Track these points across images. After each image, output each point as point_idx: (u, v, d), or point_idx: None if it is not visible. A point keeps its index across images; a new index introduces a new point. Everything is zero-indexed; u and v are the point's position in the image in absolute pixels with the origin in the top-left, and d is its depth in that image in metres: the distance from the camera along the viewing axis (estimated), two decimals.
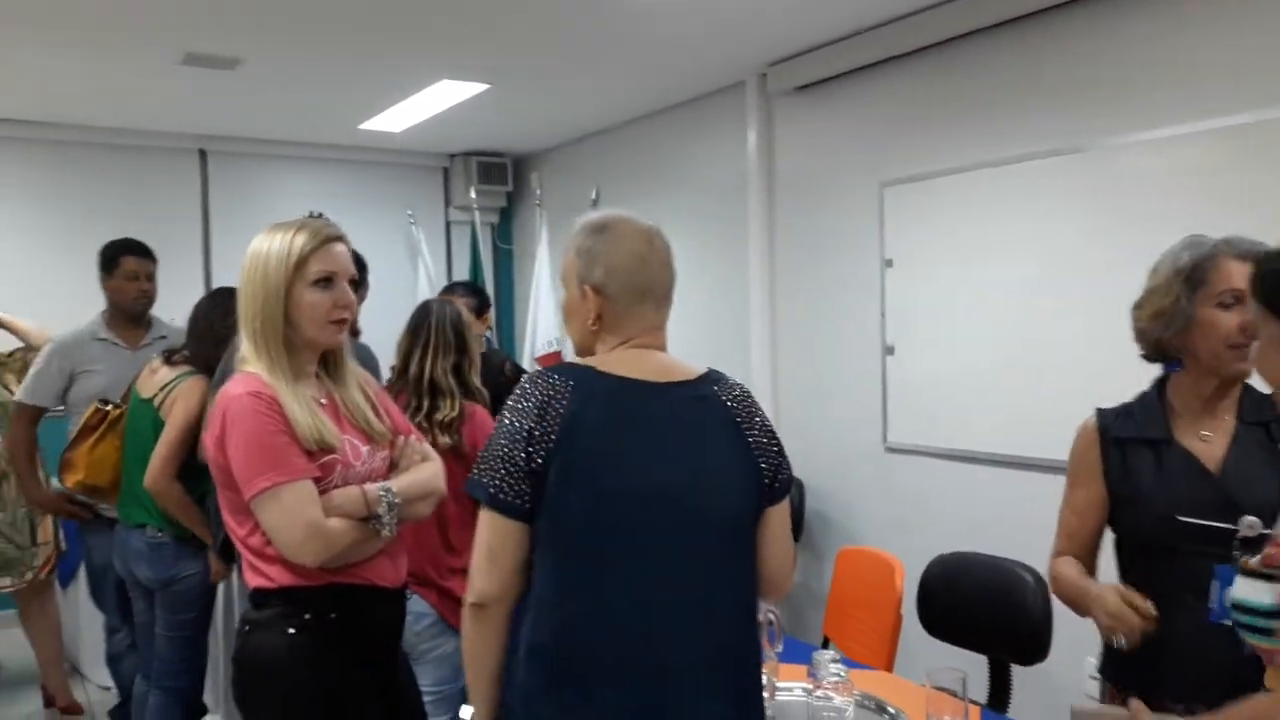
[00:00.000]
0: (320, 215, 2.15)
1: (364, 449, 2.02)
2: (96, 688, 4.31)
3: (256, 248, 1.99)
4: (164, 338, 3.77)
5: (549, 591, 1.60)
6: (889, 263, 4.28)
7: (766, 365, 4.91)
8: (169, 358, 3.29)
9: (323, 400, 2.02)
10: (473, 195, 6.71)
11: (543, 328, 6.28)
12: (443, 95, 5.11)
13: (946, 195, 4.01)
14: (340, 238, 2.05)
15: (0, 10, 3.77)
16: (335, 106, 5.38)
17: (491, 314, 5.00)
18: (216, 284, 6.13)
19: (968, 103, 3.93)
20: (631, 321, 1.71)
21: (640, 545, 1.60)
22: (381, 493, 1.97)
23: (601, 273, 1.70)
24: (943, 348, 4.04)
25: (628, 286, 1.70)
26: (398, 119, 5.64)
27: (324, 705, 1.96)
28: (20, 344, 4.30)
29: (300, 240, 1.98)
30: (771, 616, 2.18)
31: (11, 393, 3.97)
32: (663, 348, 1.76)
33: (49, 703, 4.23)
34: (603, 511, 1.59)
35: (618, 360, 1.69)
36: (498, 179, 6.85)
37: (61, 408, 3.72)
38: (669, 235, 1.80)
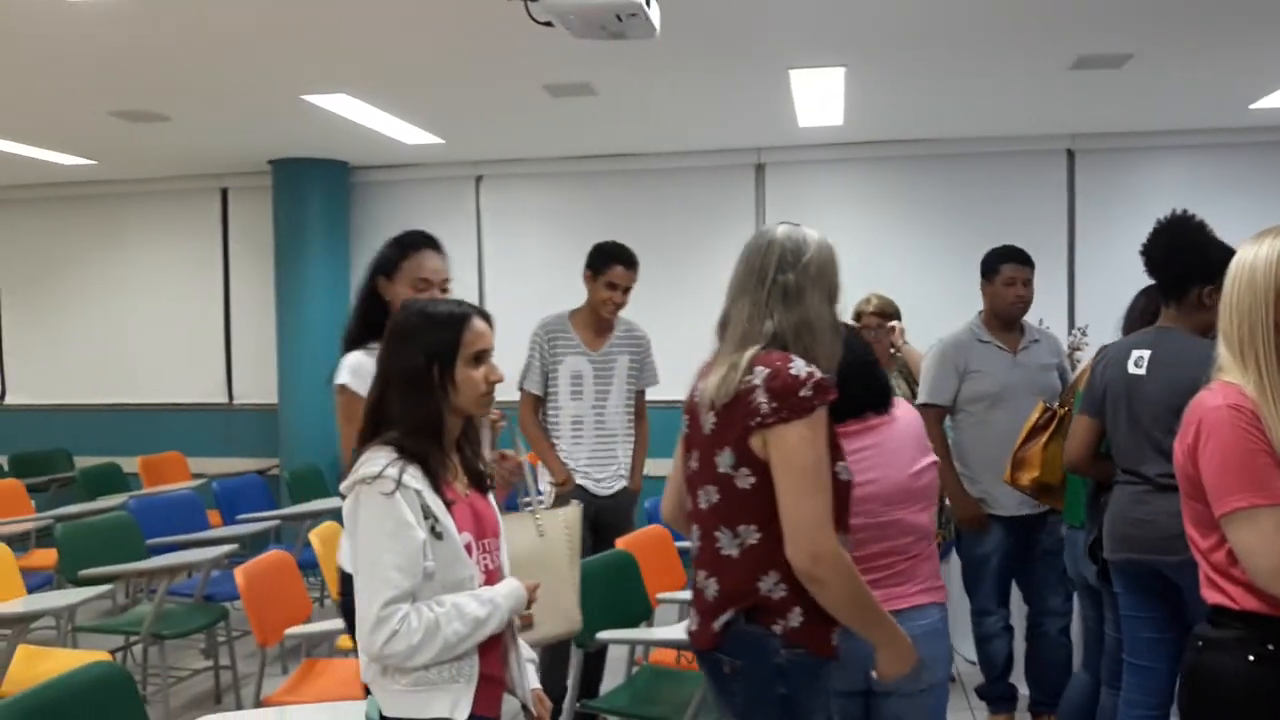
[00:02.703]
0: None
1: None
2: (963, 660, 4.56)
3: (1246, 253, 1.93)
4: (1037, 341, 3.88)
5: None
6: None
7: None
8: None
9: None
10: None
11: None
12: None
13: None
14: None
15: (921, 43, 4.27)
16: (1224, 89, 5.01)
17: None
18: (1079, 285, 6.31)
19: None
20: None
21: None
22: None
23: None
24: None
25: None
26: None
27: None
28: None
29: None
30: None
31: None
32: None
33: None
34: None
35: None
36: None
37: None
38: None
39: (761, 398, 1.91)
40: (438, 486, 1.89)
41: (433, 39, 4.15)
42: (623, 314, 4.02)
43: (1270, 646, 1.83)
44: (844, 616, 1.95)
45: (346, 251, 6.88)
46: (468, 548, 1.94)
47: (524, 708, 2.10)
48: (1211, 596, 1.92)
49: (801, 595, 1.93)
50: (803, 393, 1.90)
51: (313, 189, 6.75)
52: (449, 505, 1.90)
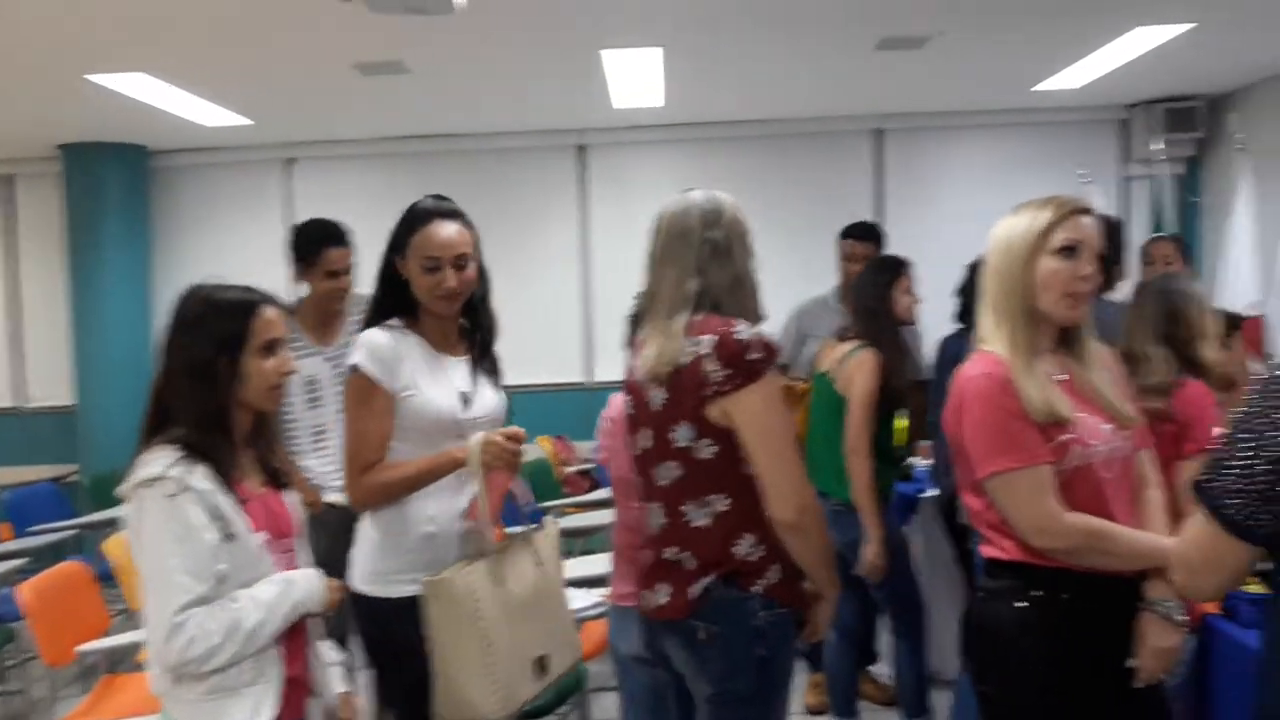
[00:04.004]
0: None
1: (1105, 428, 1.98)
2: None
3: (1000, 227, 2.05)
4: None
5: None
6: None
7: None
8: (842, 334, 3.55)
9: (1061, 377, 2.02)
10: (1159, 145, 6.15)
11: (1241, 289, 5.54)
12: (1134, 43, 4.76)
13: None
14: (1089, 211, 2.01)
15: (724, 22, 4.35)
16: (1012, 71, 5.31)
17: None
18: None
19: None
20: None
21: None
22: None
23: None
24: None
25: None
26: (1077, 75, 5.39)
27: (1052, 681, 1.97)
28: None
29: (1048, 212, 1.99)
30: None
31: None
32: None
33: None
34: None
35: None
36: (1186, 125, 6.17)
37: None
38: None
39: (712, 366, 1.93)
40: (228, 485, 1.80)
41: (235, 13, 3.92)
42: (358, 291, 3.37)
43: (1038, 592, 1.96)
44: (814, 564, 2.03)
45: (146, 241, 6.49)
46: (265, 548, 1.86)
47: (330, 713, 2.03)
48: (987, 551, 2.04)
49: (778, 553, 1.99)
50: (751, 356, 1.92)
51: (108, 175, 6.30)
52: (242, 504, 1.81)
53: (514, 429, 2.21)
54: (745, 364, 1.91)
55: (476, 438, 2.15)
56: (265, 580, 1.83)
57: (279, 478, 1.97)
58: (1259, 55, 5.23)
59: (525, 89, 5.40)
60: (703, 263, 2.02)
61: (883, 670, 4.07)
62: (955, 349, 3.26)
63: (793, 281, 4.32)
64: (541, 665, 2.21)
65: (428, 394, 2.20)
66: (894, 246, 6.35)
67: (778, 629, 2.01)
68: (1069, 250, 1.97)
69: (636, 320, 2.44)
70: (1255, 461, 1.34)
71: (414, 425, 2.19)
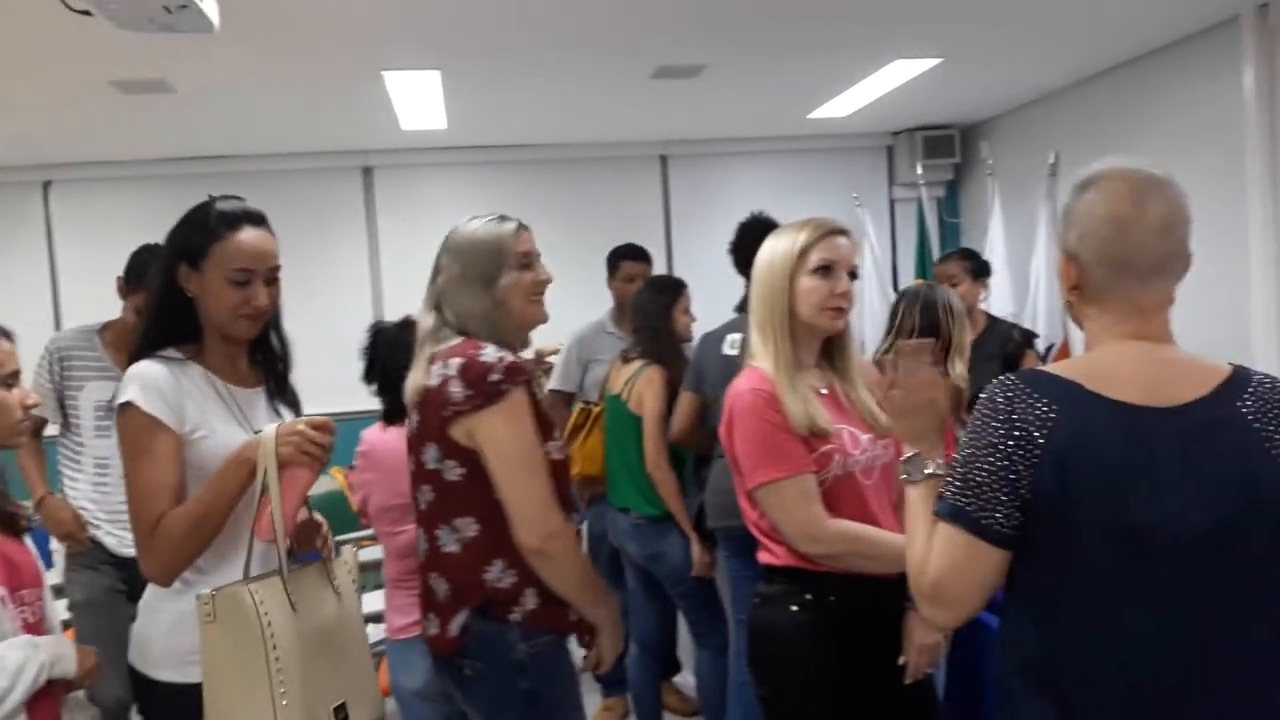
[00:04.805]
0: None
1: (864, 438, 2.10)
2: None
3: (764, 250, 2.15)
4: None
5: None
6: None
7: (1274, 340, 4.32)
8: (626, 356, 3.65)
9: (823, 390, 2.13)
10: (919, 171, 6.61)
11: (996, 303, 6.01)
12: (894, 75, 5.10)
13: None
14: (844, 231, 2.14)
15: (504, 50, 4.36)
16: (786, 100, 5.57)
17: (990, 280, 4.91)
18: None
19: None
20: (1115, 299, 1.46)
21: (1166, 592, 1.40)
22: None
23: (1074, 237, 1.48)
24: None
25: (1101, 256, 1.44)
26: (845, 104, 5.71)
27: (827, 681, 2.06)
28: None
29: (805, 233, 2.11)
30: None
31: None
32: (1162, 335, 1.47)
33: None
34: (1121, 554, 1.39)
35: (1106, 366, 1.44)
36: (944, 152, 6.67)
37: None
38: None
39: (455, 387, 1.91)
40: None
41: None
42: None
43: (809, 596, 2.06)
44: (571, 593, 1.97)
45: None
46: (1, 601, 1.71)
47: None
48: (763, 557, 2.13)
49: (531, 578, 1.94)
50: (492, 377, 1.90)
51: None
52: None
53: (321, 418, 1.87)
54: (487, 385, 1.90)
55: (271, 427, 1.82)
56: (8, 645, 1.68)
57: (15, 523, 1.82)
58: (1002, 88, 5.71)
59: (306, 109, 5.23)
60: (451, 291, 2.03)
61: (687, 680, 4.15)
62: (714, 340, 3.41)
63: (592, 303, 4.36)
64: (342, 716, 1.91)
65: (222, 435, 1.84)
66: (681, 269, 6.59)
67: (542, 660, 1.97)
68: (825, 269, 2.09)
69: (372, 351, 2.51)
70: (979, 468, 1.43)
71: (205, 475, 1.81)
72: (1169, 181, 1.46)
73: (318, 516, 2.07)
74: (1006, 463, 1.40)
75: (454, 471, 1.95)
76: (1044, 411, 1.40)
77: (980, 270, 4.30)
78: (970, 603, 1.47)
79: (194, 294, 1.89)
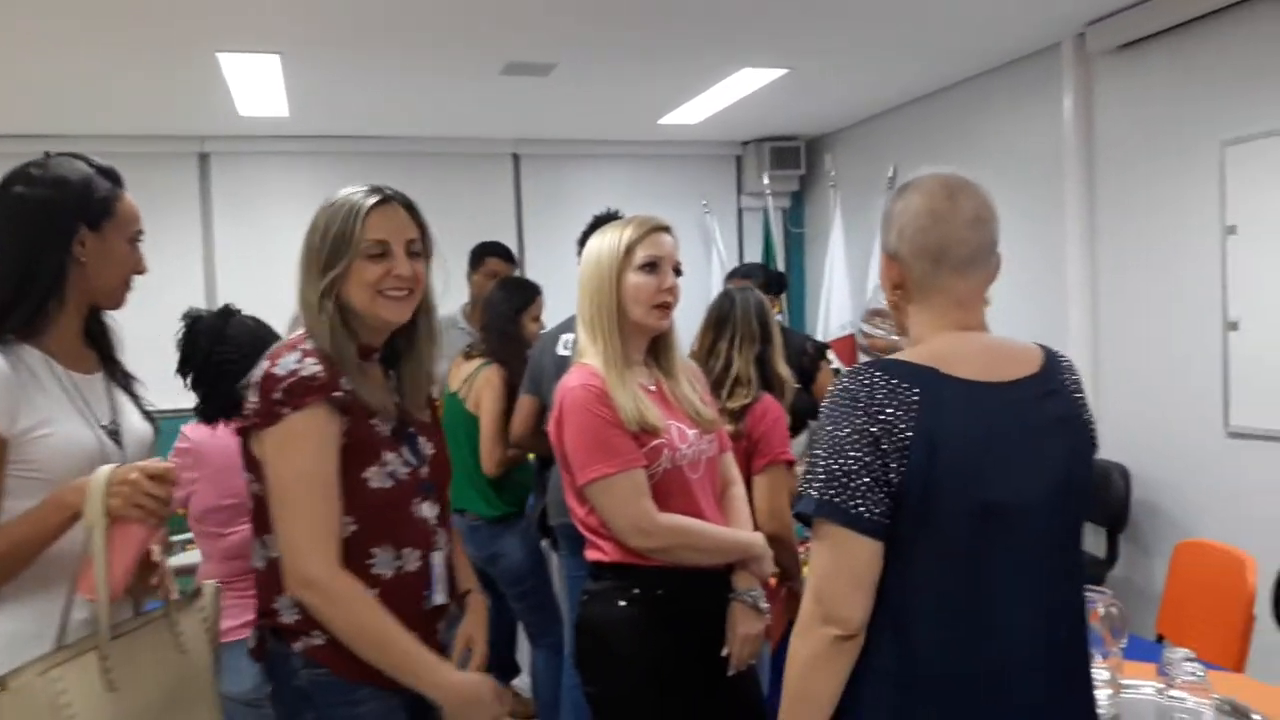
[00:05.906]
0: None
1: (691, 433, 2.12)
2: None
3: (590, 247, 2.14)
4: None
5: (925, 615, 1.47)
6: (1231, 229, 3.89)
7: (1086, 344, 4.60)
8: (468, 353, 3.60)
9: (651, 387, 2.14)
10: (765, 180, 6.75)
11: (836, 311, 6.23)
12: (742, 84, 5.19)
13: None
14: (667, 229, 2.15)
15: (360, 41, 4.23)
16: (638, 104, 5.60)
17: (784, 297, 5.05)
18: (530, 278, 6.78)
19: None
20: (936, 292, 1.52)
21: (1019, 563, 1.48)
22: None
23: (894, 235, 1.55)
24: None
25: (919, 248, 1.51)
26: (696, 111, 5.78)
27: (655, 675, 2.07)
28: None
29: (629, 231, 2.11)
30: (1115, 610, 2.05)
31: None
32: (981, 326, 1.56)
33: None
34: (982, 530, 1.44)
35: (946, 352, 1.49)
36: (790, 163, 6.85)
37: None
38: None
39: (252, 396, 1.70)
40: None
41: None
42: None
43: (637, 591, 2.06)
44: (359, 652, 1.66)
45: None
46: None
47: None
48: (591, 554, 2.12)
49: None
50: (274, 395, 1.65)
51: None
52: None
53: (159, 464, 1.60)
54: (267, 403, 1.66)
55: (100, 472, 1.54)
56: None
57: None
58: (845, 103, 5.91)
59: (136, 91, 4.94)
60: (300, 271, 1.78)
61: (525, 682, 4.10)
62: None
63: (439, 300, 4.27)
64: None
65: (66, 429, 1.61)
66: (533, 269, 6.55)
67: (327, 690, 1.70)
68: (651, 266, 2.10)
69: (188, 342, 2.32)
70: (843, 459, 1.44)
71: (47, 476, 1.57)
72: (977, 184, 1.57)
73: (155, 551, 1.76)
74: (873, 448, 1.42)
75: (255, 485, 1.74)
76: (907, 395, 1.43)
77: (773, 284, 4.43)
78: (853, 600, 1.43)
79: (83, 260, 1.66)
